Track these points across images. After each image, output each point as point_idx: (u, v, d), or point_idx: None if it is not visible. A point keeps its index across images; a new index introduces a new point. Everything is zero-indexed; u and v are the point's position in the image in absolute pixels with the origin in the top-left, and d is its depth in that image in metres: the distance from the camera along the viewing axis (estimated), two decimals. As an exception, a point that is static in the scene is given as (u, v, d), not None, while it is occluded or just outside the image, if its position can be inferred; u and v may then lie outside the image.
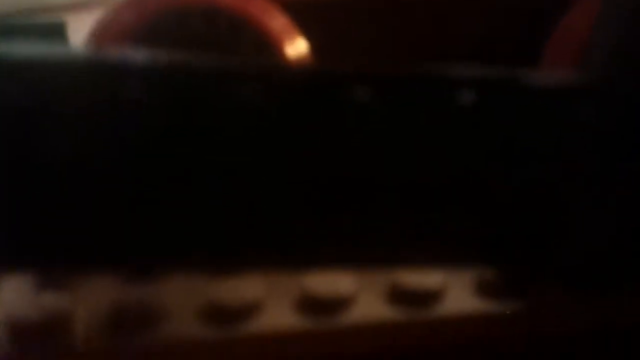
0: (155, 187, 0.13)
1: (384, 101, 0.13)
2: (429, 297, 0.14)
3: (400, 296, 0.14)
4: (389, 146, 0.13)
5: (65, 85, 0.12)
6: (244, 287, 0.14)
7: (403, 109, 0.13)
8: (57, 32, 0.23)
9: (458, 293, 0.15)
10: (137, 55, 0.13)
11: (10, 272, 0.14)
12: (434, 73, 0.13)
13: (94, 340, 0.13)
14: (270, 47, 0.18)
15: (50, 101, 0.12)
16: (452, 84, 0.13)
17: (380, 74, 0.13)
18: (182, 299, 0.14)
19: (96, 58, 0.13)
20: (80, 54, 0.13)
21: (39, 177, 0.12)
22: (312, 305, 0.14)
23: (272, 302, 0.14)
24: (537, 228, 0.14)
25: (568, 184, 0.13)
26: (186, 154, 0.13)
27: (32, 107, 0.12)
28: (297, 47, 0.19)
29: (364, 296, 0.14)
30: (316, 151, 0.13)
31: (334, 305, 0.14)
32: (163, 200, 0.13)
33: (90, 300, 0.14)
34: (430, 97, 0.13)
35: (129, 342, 0.13)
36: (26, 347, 0.13)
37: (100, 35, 0.18)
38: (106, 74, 0.12)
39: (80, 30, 0.20)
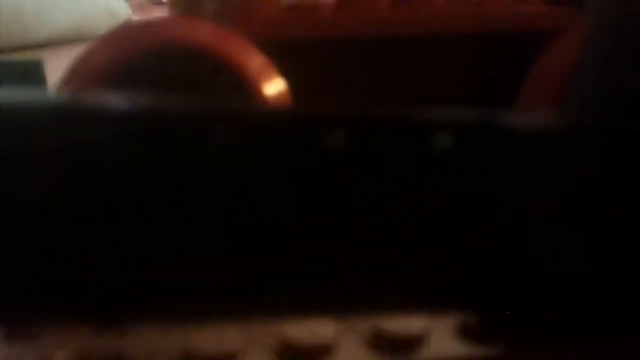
0: (128, 234, 0.12)
1: (359, 144, 0.13)
2: (410, 342, 0.14)
3: (381, 341, 0.14)
4: (366, 190, 0.13)
5: (38, 129, 0.12)
6: (222, 337, 0.14)
7: (379, 153, 0.13)
8: (35, 70, 0.23)
9: (439, 337, 0.14)
10: (110, 99, 0.13)
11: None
12: (410, 116, 0.13)
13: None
14: (248, 86, 0.18)
15: (22, 145, 0.12)
16: (428, 127, 0.13)
17: (355, 116, 0.13)
18: (156, 350, 0.13)
19: (68, 103, 0.13)
20: (52, 99, 0.13)
21: (6, 223, 0.12)
22: (293, 353, 0.14)
23: (252, 351, 0.14)
24: (516, 273, 0.14)
25: (547, 227, 0.13)
26: (161, 199, 0.12)
27: (4, 150, 0.12)
28: (275, 87, 0.19)
29: (345, 342, 0.14)
30: (293, 195, 0.13)
31: (314, 352, 0.14)
32: (136, 248, 0.12)
33: (61, 351, 0.13)
34: (406, 140, 0.13)
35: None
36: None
37: (74, 75, 0.18)
38: (78, 119, 0.12)
39: (58, 68, 0.20)
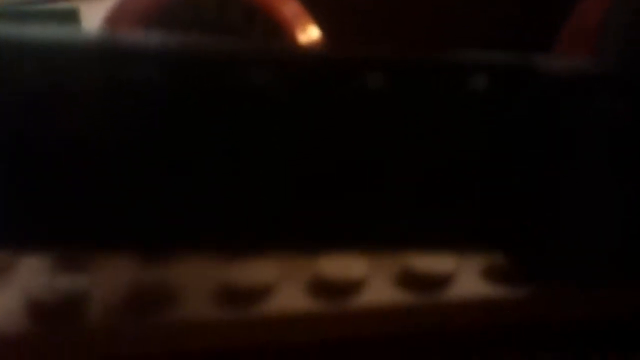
0: (170, 169, 0.13)
1: (396, 87, 0.13)
2: (438, 281, 0.15)
3: (410, 280, 0.15)
4: (400, 131, 0.13)
5: (78, 68, 0.12)
6: (257, 270, 0.14)
7: (415, 95, 0.13)
8: (70, 18, 0.24)
9: (467, 278, 0.15)
10: (150, 39, 0.13)
11: (30, 253, 0.14)
12: (447, 58, 0.13)
13: (110, 321, 0.14)
14: (282, 33, 0.19)
15: (64, 84, 0.12)
16: (465, 70, 0.13)
17: (392, 59, 0.13)
18: (196, 281, 0.14)
19: (109, 41, 0.13)
20: (94, 37, 0.13)
21: (56, 158, 0.13)
22: (324, 288, 0.14)
23: (285, 284, 0.14)
24: (545, 217, 0.14)
25: (578, 173, 0.14)
26: (199, 137, 0.13)
27: (46, 89, 0.12)
28: (309, 34, 0.19)
29: (375, 280, 0.15)
30: (329, 136, 0.13)
31: (345, 288, 0.14)
32: (178, 183, 0.13)
33: (107, 280, 0.14)
34: (442, 83, 0.13)
35: (145, 322, 0.14)
36: (44, 327, 0.13)
37: (113, 20, 0.19)
38: (119, 58, 0.13)
39: (93, 17, 0.20)
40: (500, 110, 0.13)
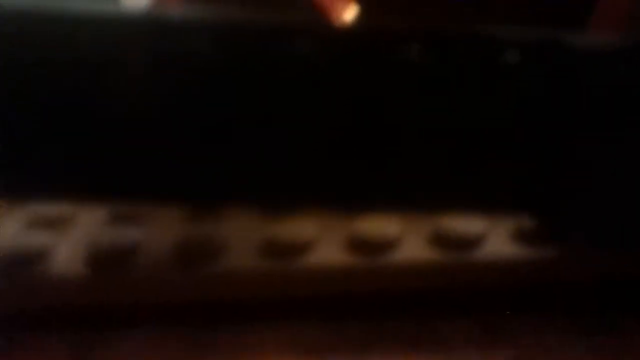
0: (219, 131, 0.14)
1: (432, 58, 0.14)
2: (469, 242, 0.15)
3: (442, 240, 0.15)
4: (436, 98, 0.14)
5: (130, 41, 0.14)
6: (300, 226, 0.15)
7: (450, 65, 0.14)
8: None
9: (496, 239, 0.16)
10: (200, 11, 0.14)
11: (91, 203, 0.15)
12: (481, 32, 0.14)
13: (161, 270, 0.15)
14: (323, 11, 0.19)
15: (119, 55, 0.13)
16: (498, 44, 0.14)
17: (431, 32, 0.14)
18: (243, 235, 0.15)
19: (160, 14, 0.14)
20: (145, 11, 0.14)
21: (116, 125, 0.14)
22: (361, 245, 0.15)
23: (325, 241, 0.15)
24: (573, 181, 0.15)
25: (605, 140, 0.14)
26: (246, 101, 0.14)
27: (102, 60, 0.13)
28: (349, 13, 0.19)
29: (409, 239, 0.15)
30: (369, 102, 0.14)
31: (381, 246, 0.15)
32: (229, 144, 0.14)
33: (159, 233, 0.15)
34: (476, 55, 0.14)
35: (195, 272, 0.15)
36: (100, 274, 0.15)
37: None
38: (170, 30, 0.14)
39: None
40: (531, 83, 0.14)
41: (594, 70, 0.14)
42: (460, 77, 0.14)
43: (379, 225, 0.15)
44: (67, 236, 0.15)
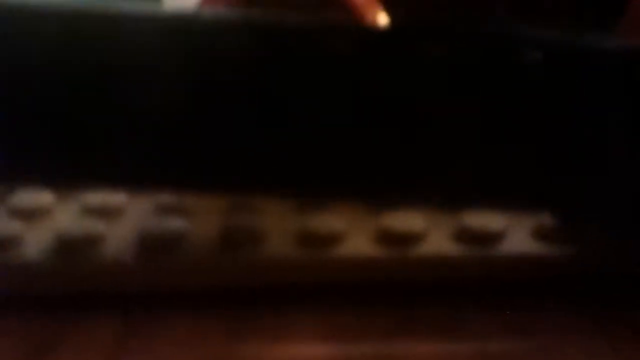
0: (257, 124, 0.15)
1: (457, 56, 0.15)
2: (490, 238, 0.16)
3: (464, 234, 0.16)
4: (461, 96, 0.15)
5: (163, 41, 0.15)
6: (331, 218, 0.16)
7: (475, 63, 0.15)
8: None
9: (517, 236, 0.16)
10: (231, 13, 0.15)
11: (144, 193, 0.17)
12: (505, 32, 0.15)
13: (207, 256, 0.16)
14: (358, 15, 0.20)
15: (150, 56, 0.15)
16: (521, 44, 0.15)
17: (454, 30, 0.15)
18: (280, 225, 0.16)
19: (193, 15, 0.15)
20: (178, 11, 0.15)
21: (159, 118, 0.15)
22: (388, 238, 0.16)
23: (354, 233, 0.16)
24: (594, 179, 0.15)
25: (626, 141, 0.15)
26: (287, 98, 0.15)
27: (133, 61, 0.14)
28: (379, 21, 0.20)
29: (434, 234, 0.16)
30: (395, 98, 0.15)
31: (407, 239, 0.16)
32: (265, 139, 0.15)
33: (204, 221, 0.16)
34: (500, 53, 0.15)
35: (234, 259, 0.16)
36: (151, 259, 0.16)
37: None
38: (202, 30, 0.15)
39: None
40: (553, 83, 0.15)
41: (617, 73, 0.15)
42: (484, 74, 0.15)
43: (406, 220, 0.16)
44: (117, 224, 0.16)
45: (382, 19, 0.21)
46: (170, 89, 0.15)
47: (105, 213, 0.17)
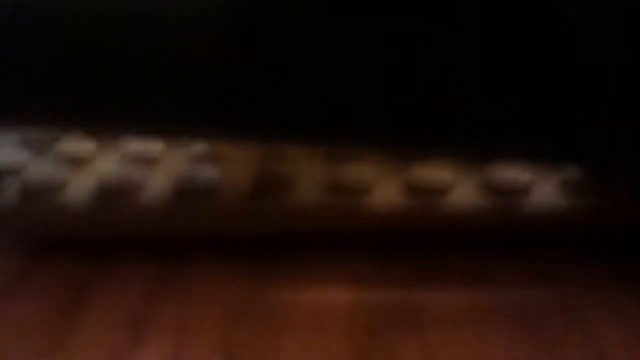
0: (289, 71, 0.15)
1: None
2: (517, 191, 0.16)
3: (491, 187, 0.17)
4: (489, 45, 0.15)
5: None
6: (361, 168, 0.17)
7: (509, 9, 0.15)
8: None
9: (545, 189, 0.17)
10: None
11: (180, 142, 0.17)
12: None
13: (238, 204, 0.16)
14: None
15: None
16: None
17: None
18: (311, 173, 0.17)
19: None
20: None
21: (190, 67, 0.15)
22: (416, 190, 0.17)
23: (383, 185, 0.17)
24: (622, 131, 0.15)
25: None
26: (310, 45, 0.15)
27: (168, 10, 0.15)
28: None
29: (461, 185, 0.17)
30: (424, 50, 0.15)
31: (435, 191, 0.16)
32: (297, 85, 0.15)
33: (236, 169, 0.17)
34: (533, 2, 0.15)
35: (268, 204, 0.16)
36: (185, 205, 0.16)
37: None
38: None
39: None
40: (587, 28, 0.14)
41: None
42: (516, 22, 0.15)
43: (434, 171, 0.17)
44: (155, 172, 0.17)
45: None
46: (204, 35, 0.15)
47: (143, 161, 0.17)
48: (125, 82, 0.16)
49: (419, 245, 0.16)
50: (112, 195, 0.16)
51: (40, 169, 0.17)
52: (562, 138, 0.16)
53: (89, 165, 0.17)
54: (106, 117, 0.16)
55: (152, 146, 0.17)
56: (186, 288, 0.15)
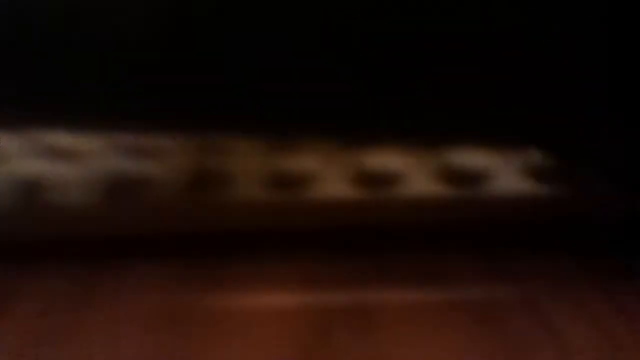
0: (225, 61, 0.14)
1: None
2: (476, 177, 0.15)
3: (449, 175, 0.15)
4: (442, 28, 0.14)
5: None
6: (304, 159, 0.15)
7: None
8: None
9: (505, 175, 0.16)
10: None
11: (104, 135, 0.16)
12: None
13: (176, 198, 0.15)
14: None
15: None
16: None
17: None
18: (251, 166, 0.15)
19: None
20: None
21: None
22: (366, 179, 0.15)
23: (330, 173, 0.15)
24: (585, 118, 0.14)
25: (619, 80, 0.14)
26: (245, 36, 0.14)
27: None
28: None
29: (415, 173, 0.16)
30: (368, 28, 0.14)
31: (385, 180, 0.15)
32: (233, 75, 0.14)
33: (170, 164, 0.16)
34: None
35: (205, 200, 0.15)
36: (114, 202, 0.15)
37: None
38: None
39: None
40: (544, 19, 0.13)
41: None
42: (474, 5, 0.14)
43: (385, 159, 0.15)
44: (80, 166, 0.16)
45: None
46: (138, 24, 0.14)
47: (70, 155, 0.16)
48: (54, 74, 0.14)
49: (371, 241, 0.15)
50: (36, 193, 0.15)
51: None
52: (525, 121, 0.15)
53: (11, 161, 0.16)
54: (31, 111, 0.15)
55: (79, 140, 0.16)
56: (115, 291, 0.14)
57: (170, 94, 0.15)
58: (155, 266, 0.15)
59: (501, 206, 0.15)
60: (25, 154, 0.16)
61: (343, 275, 0.15)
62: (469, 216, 0.15)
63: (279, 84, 0.14)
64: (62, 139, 0.16)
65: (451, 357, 0.13)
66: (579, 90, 0.14)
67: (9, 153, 0.16)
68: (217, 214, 0.15)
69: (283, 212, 0.15)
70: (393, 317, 0.13)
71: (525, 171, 0.16)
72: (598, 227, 0.15)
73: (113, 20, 0.14)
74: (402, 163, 0.15)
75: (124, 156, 0.16)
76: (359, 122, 0.15)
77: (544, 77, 0.14)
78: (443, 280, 0.14)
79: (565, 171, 0.15)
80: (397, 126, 0.15)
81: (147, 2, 0.14)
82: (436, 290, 0.14)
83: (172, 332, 0.13)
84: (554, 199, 0.15)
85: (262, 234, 0.15)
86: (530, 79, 0.14)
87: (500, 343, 0.13)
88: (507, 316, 0.13)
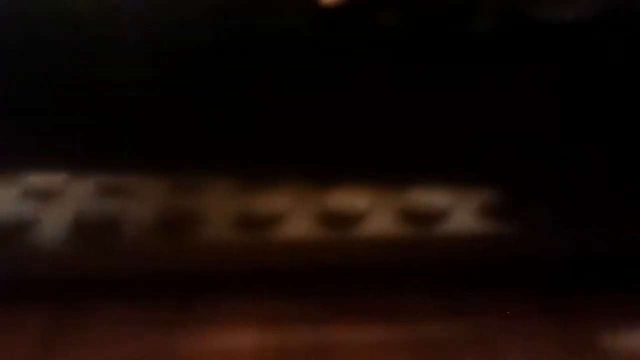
0: (197, 104, 0.14)
1: (406, 24, 0.14)
2: (435, 216, 0.16)
3: (409, 213, 0.16)
4: (402, 69, 0.14)
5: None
6: (272, 199, 0.16)
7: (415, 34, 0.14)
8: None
9: (463, 214, 0.16)
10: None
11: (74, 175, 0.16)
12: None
13: (143, 240, 0.16)
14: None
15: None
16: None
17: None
18: (219, 207, 0.16)
19: None
20: None
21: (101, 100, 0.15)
22: (331, 219, 0.16)
23: (296, 215, 0.16)
24: (541, 158, 0.15)
25: (577, 121, 0.14)
26: (218, 77, 0.14)
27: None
28: None
29: (378, 213, 0.16)
30: (335, 72, 0.14)
31: (350, 219, 0.16)
32: (205, 118, 0.15)
33: (141, 204, 0.16)
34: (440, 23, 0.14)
35: (173, 242, 0.15)
36: (87, 243, 0.15)
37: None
38: None
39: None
40: (500, 56, 0.14)
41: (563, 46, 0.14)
42: (429, 45, 0.14)
43: (349, 199, 0.16)
44: (54, 207, 0.16)
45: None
46: (111, 65, 0.15)
47: (42, 196, 0.16)
48: (27, 113, 0.15)
49: (332, 281, 0.15)
50: (4, 234, 0.15)
51: None
52: (480, 161, 0.15)
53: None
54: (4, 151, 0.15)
55: (48, 180, 0.16)
56: (84, 337, 0.14)
57: (139, 134, 0.15)
58: (123, 309, 0.15)
59: (456, 245, 0.16)
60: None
61: (303, 316, 0.15)
62: (426, 255, 0.16)
63: (248, 126, 0.15)
64: (28, 178, 0.16)
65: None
66: (532, 129, 0.15)
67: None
68: (183, 255, 0.15)
69: (250, 252, 0.15)
70: (351, 356, 0.14)
71: (480, 210, 0.16)
72: (551, 265, 0.16)
73: (81, 62, 0.15)
74: (366, 203, 0.16)
75: (91, 196, 0.16)
76: (323, 162, 0.15)
77: (497, 117, 0.15)
78: (400, 316, 0.15)
79: (518, 210, 0.16)
80: (359, 166, 0.15)
81: (117, 44, 0.14)
82: (394, 328, 0.15)
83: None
84: (507, 238, 0.16)
85: (228, 275, 0.15)
86: (484, 120, 0.15)
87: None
88: (461, 354, 0.14)
